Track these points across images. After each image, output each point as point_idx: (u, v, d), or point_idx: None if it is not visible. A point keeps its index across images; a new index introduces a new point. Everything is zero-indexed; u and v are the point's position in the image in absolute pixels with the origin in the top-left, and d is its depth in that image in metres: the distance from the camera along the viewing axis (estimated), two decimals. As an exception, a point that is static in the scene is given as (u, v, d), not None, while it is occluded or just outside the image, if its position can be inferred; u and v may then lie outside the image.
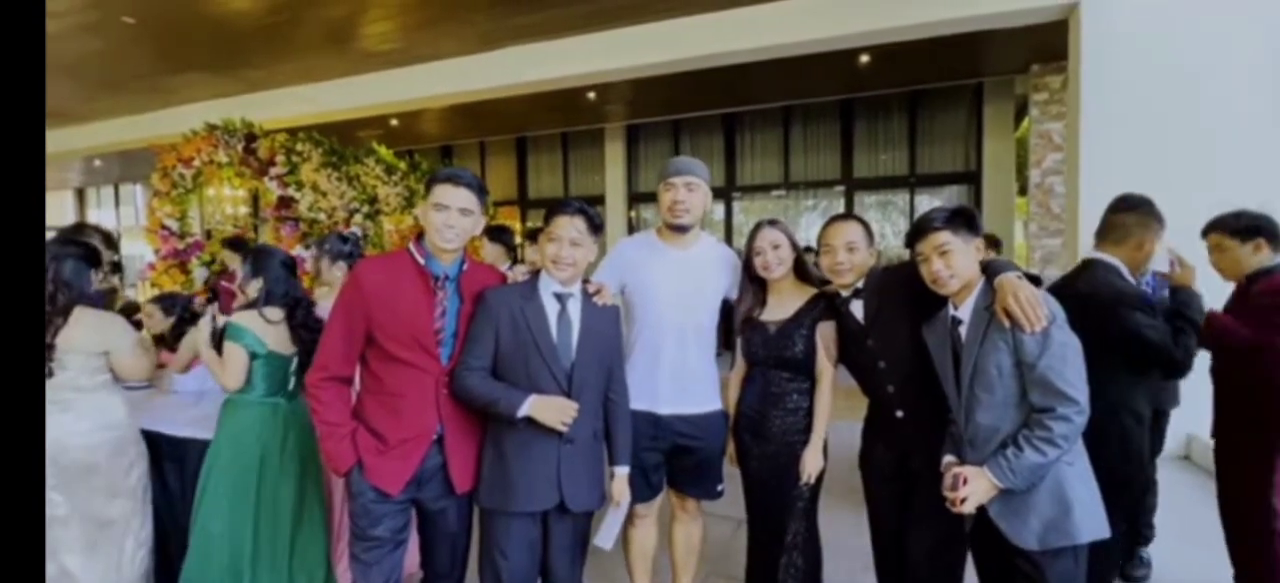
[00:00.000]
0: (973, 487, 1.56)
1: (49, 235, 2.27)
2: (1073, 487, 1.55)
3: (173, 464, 2.44)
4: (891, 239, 8.29)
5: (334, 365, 1.73)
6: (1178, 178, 3.96)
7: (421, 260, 1.77)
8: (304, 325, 2.22)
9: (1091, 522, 1.55)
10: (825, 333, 1.98)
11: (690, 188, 2.06)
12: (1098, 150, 4.30)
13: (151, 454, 2.32)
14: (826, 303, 2.00)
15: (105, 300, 2.46)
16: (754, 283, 2.07)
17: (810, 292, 2.04)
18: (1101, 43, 4.28)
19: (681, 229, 2.10)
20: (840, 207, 8.51)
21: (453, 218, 1.72)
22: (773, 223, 2.02)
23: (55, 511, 2.05)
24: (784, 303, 2.03)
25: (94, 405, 2.12)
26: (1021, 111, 7.42)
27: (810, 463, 1.96)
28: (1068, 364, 1.49)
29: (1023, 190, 7.35)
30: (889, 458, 1.92)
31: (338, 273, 2.61)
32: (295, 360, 2.23)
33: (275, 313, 2.19)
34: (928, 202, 8.16)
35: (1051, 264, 6.06)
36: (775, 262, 1.99)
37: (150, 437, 2.36)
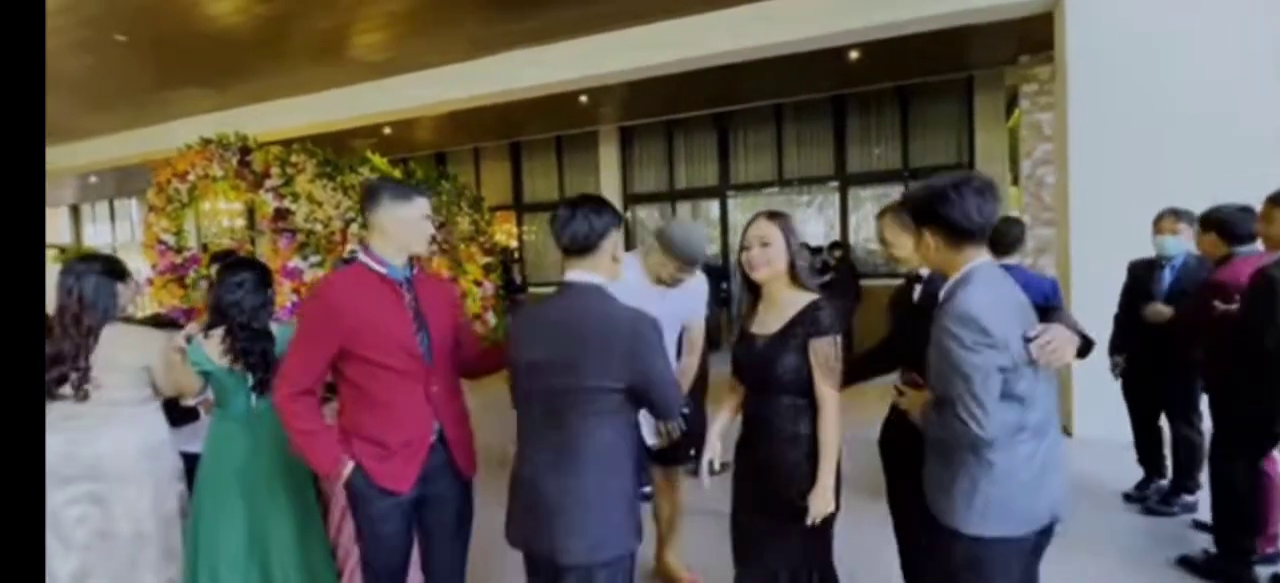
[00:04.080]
0: (912, 398, 1.71)
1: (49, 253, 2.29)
2: (977, 480, 1.48)
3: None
4: (887, 233, 8.33)
5: (305, 382, 1.73)
6: (1165, 168, 4.01)
7: (384, 270, 1.77)
8: (246, 351, 2.15)
9: (979, 521, 1.47)
10: (821, 350, 1.66)
11: (691, 273, 2.26)
12: (1086, 141, 4.33)
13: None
14: (828, 314, 1.69)
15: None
16: (749, 288, 1.84)
17: (806, 298, 1.72)
18: (1087, 34, 4.32)
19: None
20: (835, 202, 8.56)
21: (428, 226, 1.83)
22: (772, 215, 1.76)
23: (94, 525, 2.10)
24: (774, 312, 1.75)
25: (133, 421, 2.15)
26: (1012, 103, 7.45)
27: (816, 506, 1.66)
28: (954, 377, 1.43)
29: (1016, 181, 7.38)
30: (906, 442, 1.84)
31: None
32: (251, 377, 2.20)
33: (215, 334, 2.17)
34: (922, 195, 8.19)
35: (1045, 254, 6.09)
36: (760, 260, 1.72)
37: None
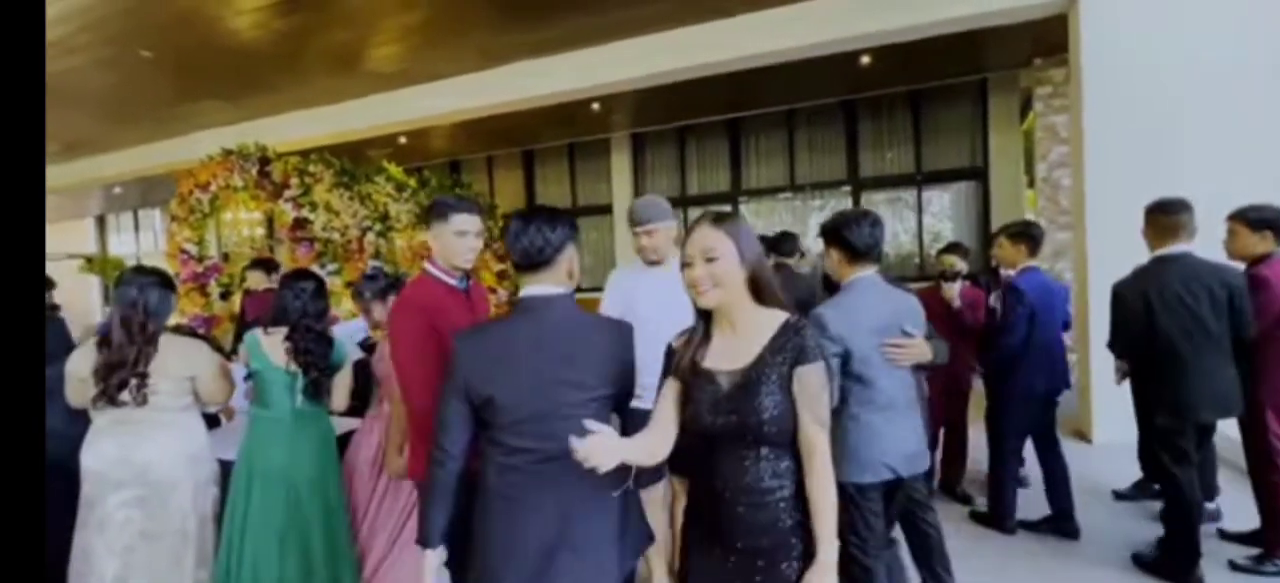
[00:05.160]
0: None
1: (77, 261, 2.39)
2: (847, 437, 1.96)
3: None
4: (902, 237, 8.30)
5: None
6: (1180, 169, 3.96)
7: (453, 282, 1.95)
8: (305, 351, 2.31)
9: (847, 470, 1.94)
10: (809, 382, 1.27)
11: (651, 234, 2.30)
12: (1101, 143, 4.29)
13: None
14: (812, 335, 1.32)
15: None
16: (700, 314, 1.40)
17: (779, 318, 1.33)
18: (1101, 36, 4.28)
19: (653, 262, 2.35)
20: (848, 206, 8.52)
21: (472, 241, 1.95)
22: (718, 219, 1.36)
23: (138, 527, 2.18)
24: (739, 340, 1.34)
25: (176, 426, 2.26)
26: (1027, 105, 7.39)
27: None
28: None
29: (1032, 184, 7.31)
30: None
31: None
32: (300, 379, 2.32)
33: (277, 331, 2.34)
34: (936, 198, 8.16)
35: (1062, 258, 6.02)
36: (706, 280, 1.31)
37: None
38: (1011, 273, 3.55)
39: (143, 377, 2.15)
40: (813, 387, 1.27)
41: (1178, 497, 2.66)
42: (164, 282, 2.30)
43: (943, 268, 3.52)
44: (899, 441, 1.99)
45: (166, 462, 2.20)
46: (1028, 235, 3.18)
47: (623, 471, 1.38)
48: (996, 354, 3.09)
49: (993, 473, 3.21)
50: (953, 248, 3.57)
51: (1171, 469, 2.67)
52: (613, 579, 1.47)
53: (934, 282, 3.58)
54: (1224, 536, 2.98)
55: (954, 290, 3.42)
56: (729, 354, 1.34)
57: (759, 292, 1.34)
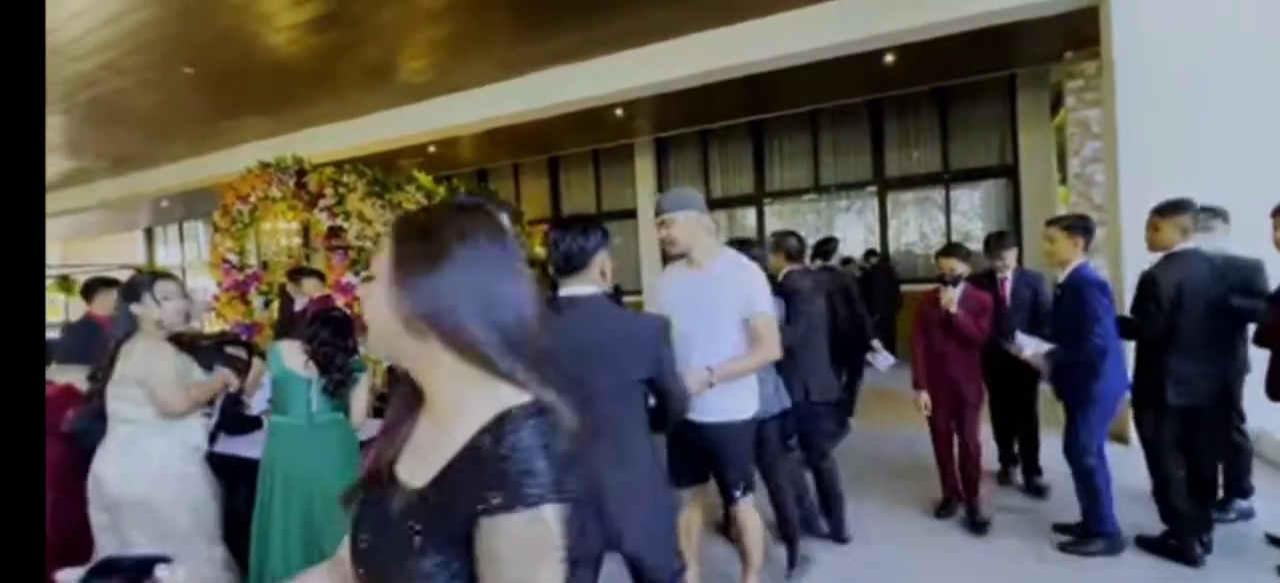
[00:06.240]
0: None
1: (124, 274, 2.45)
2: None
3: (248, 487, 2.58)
4: (930, 236, 8.17)
5: None
6: (1216, 162, 3.85)
7: None
8: (323, 343, 2.34)
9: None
10: (502, 542, 0.64)
11: (666, 225, 2.26)
12: (1135, 137, 4.19)
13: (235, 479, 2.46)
14: (532, 452, 0.66)
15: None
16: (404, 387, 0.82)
17: (491, 407, 0.70)
18: (1133, 28, 4.19)
19: (680, 256, 2.31)
20: (873, 207, 8.44)
21: None
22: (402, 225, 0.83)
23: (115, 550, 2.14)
24: (437, 441, 0.73)
25: (138, 445, 2.07)
26: (1058, 100, 7.22)
27: None
28: None
29: (1064, 180, 7.13)
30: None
31: None
32: (316, 382, 2.34)
33: (295, 343, 2.41)
34: (965, 196, 8.02)
35: (1097, 254, 5.86)
36: (373, 321, 0.77)
37: (233, 461, 2.54)
38: (1007, 275, 3.61)
39: (100, 391, 2.10)
40: (505, 555, 0.64)
41: (1161, 470, 2.86)
42: (120, 288, 2.24)
43: (940, 272, 3.26)
44: (766, 395, 2.59)
45: (120, 481, 2.01)
46: (1084, 228, 2.98)
47: None
48: (1086, 352, 2.81)
49: (1089, 483, 2.90)
50: (951, 250, 3.31)
51: (1159, 448, 2.84)
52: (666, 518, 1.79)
53: (934, 286, 3.37)
54: (1273, 541, 2.89)
55: (952, 295, 3.14)
56: (419, 457, 0.75)
57: (460, 349, 0.72)
